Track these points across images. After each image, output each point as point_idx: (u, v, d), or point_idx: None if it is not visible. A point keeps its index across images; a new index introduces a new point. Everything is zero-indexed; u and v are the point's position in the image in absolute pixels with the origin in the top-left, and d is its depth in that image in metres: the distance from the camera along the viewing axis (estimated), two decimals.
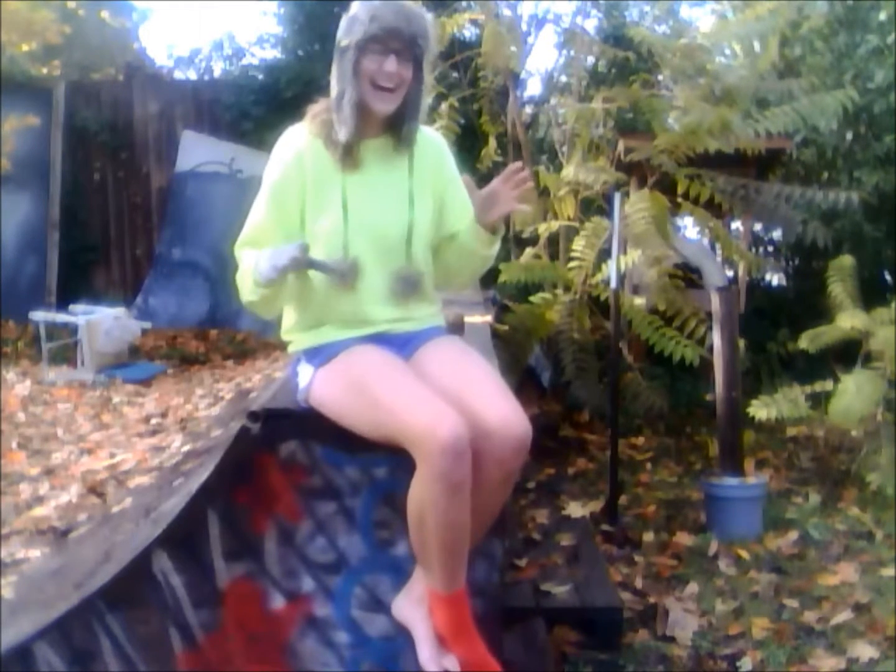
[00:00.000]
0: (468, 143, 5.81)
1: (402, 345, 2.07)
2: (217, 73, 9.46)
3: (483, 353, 2.20)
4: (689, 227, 6.89)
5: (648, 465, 4.71)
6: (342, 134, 2.01)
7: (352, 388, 1.95)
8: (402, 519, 1.92)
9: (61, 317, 6.09)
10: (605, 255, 4.46)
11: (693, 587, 3.20)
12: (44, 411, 4.77)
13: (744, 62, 4.97)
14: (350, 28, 1.99)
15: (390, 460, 1.98)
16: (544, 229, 4.97)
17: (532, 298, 4.88)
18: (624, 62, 6.08)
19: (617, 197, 4.02)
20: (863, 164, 5.99)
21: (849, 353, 4.29)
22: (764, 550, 3.55)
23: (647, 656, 2.72)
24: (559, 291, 4.89)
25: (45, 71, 7.96)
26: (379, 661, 2.02)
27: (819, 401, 4.12)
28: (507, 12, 5.74)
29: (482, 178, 2.12)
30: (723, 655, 2.76)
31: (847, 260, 4.49)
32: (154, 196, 8.10)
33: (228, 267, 2.24)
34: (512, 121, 5.88)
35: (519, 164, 2.01)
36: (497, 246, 2.10)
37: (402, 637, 1.99)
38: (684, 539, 3.65)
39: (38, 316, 6.03)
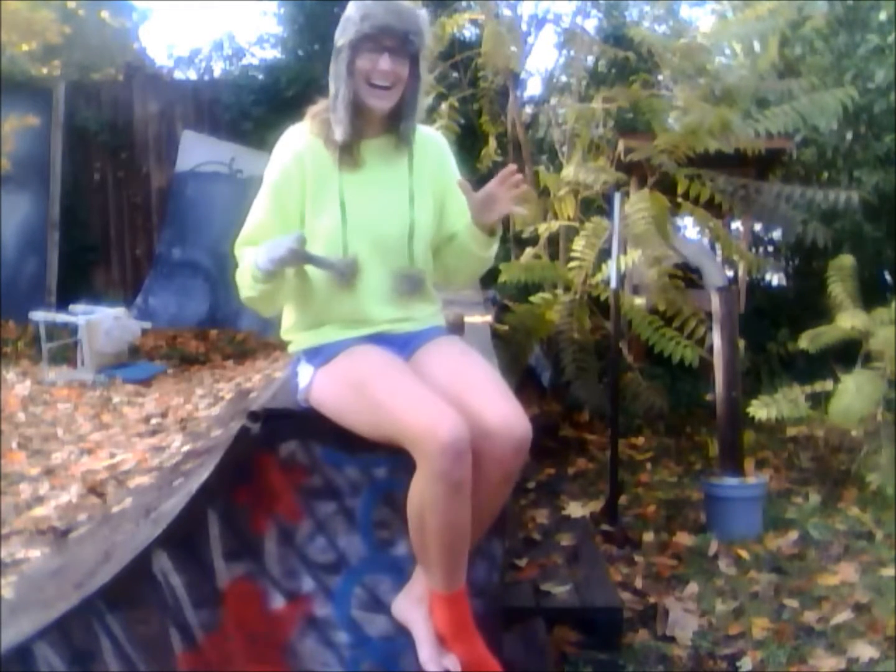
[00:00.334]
0: (468, 143, 5.81)
1: (403, 345, 2.07)
2: (217, 73, 9.47)
3: (483, 353, 2.20)
4: (689, 227, 6.91)
5: (648, 465, 4.71)
6: (338, 134, 2.02)
7: (352, 388, 1.95)
8: (402, 519, 1.92)
9: (61, 317, 6.09)
10: (605, 255, 4.46)
11: (693, 587, 3.20)
12: (44, 411, 4.77)
13: (744, 62, 4.98)
14: (344, 28, 2.00)
15: (390, 460, 1.98)
16: (544, 229, 4.96)
17: (532, 298, 4.88)
18: (624, 62, 6.07)
19: (617, 197, 4.02)
20: (863, 164, 5.99)
21: (849, 353, 4.28)
22: (764, 550, 3.55)
23: (647, 656, 2.72)
24: (559, 291, 4.89)
25: (45, 71, 7.95)
26: (379, 661, 2.02)
27: (819, 401, 4.12)
28: (507, 12, 5.74)
29: (482, 178, 2.12)
30: (723, 655, 2.75)
31: (847, 260, 4.49)
32: (154, 196, 8.11)
33: (228, 267, 2.24)
34: (512, 121, 5.88)
35: (514, 166, 2.01)
36: (495, 247, 2.10)
37: (402, 637, 1.99)
38: (684, 539, 3.65)
39: (38, 316, 6.03)
